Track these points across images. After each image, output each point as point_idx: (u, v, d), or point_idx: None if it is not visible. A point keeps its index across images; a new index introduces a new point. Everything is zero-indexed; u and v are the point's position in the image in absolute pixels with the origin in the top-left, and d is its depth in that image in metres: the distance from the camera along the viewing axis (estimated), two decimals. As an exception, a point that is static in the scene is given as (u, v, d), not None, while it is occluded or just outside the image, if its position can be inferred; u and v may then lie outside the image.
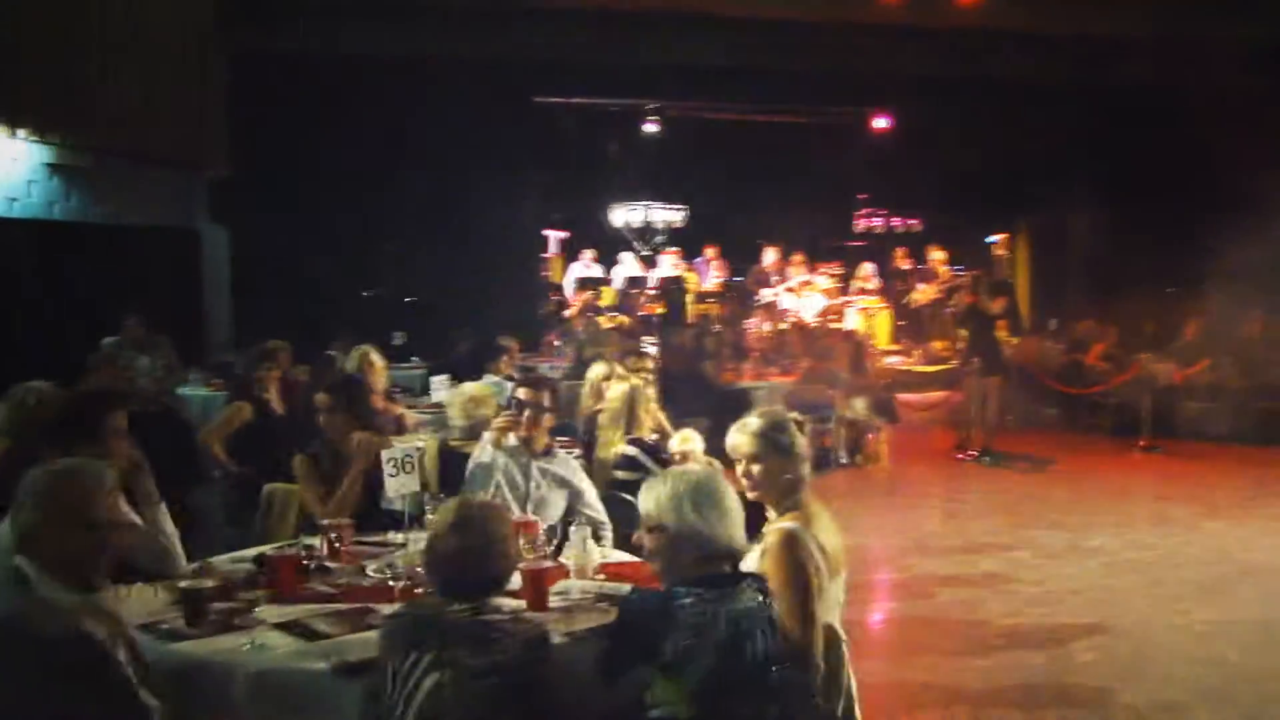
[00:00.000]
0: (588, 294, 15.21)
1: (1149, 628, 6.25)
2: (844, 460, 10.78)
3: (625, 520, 4.41)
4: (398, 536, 4.25)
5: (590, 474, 5.17)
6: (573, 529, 4.08)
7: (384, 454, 4.11)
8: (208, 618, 3.29)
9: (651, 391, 5.93)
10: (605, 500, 4.93)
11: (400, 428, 7.18)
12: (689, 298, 15.48)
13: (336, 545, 4.06)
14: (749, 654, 2.81)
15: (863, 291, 15.72)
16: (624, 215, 17.00)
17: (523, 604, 3.39)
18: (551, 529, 4.26)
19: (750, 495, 3.53)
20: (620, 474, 5.43)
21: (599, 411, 5.96)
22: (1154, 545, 8.02)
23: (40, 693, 2.56)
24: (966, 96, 14.67)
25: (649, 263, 16.41)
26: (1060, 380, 13.02)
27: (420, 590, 3.39)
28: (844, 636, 3.45)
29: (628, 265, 16.18)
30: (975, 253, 16.48)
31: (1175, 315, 13.08)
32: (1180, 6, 13.30)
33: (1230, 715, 5.15)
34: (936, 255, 15.94)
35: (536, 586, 3.49)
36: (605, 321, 14.20)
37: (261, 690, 2.99)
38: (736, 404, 8.82)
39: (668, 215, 16.93)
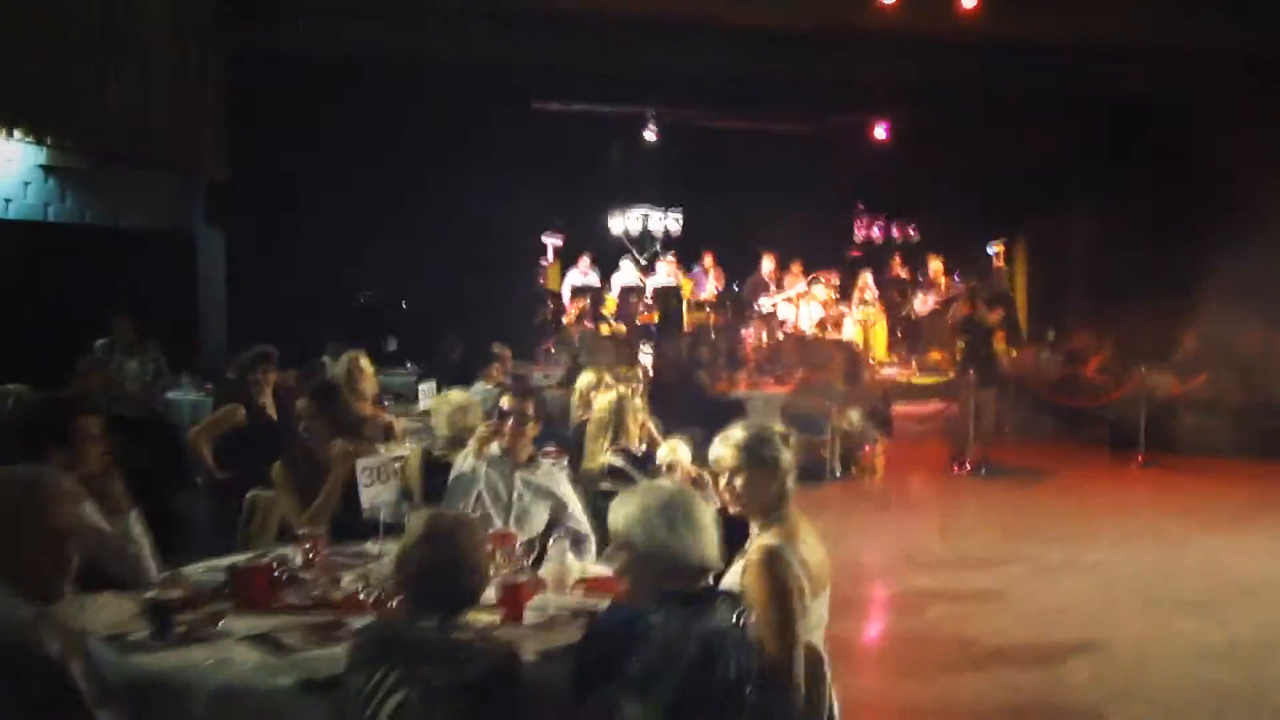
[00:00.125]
0: (584, 301, 15.14)
1: (1143, 646, 6.16)
2: (838, 472, 10.71)
3: (610, 533, 4.31)
4: (374, 547, 4.18)
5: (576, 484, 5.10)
6: (551, 542, 4.00)
7: (359, 464, 4.04)
8: (172, 630, 3.22)
9: (639, 401, 5.83)
10: (590, 512, 4.85)
11: (389, 435, 7.10)
12: (685, 306, 15.41)
13: (311, 555, 3.99)
14: (721, 674, 2.73)
15: (861, 301, 15.64)
16: (622, 222, 16.95)
17: (497, 619, 3.32)
18: (532, 541, 4.19)
19: (732, 509, 3.46)
20: (606, 485, 5.34)
21: (587, 421, 5.88)
22: (1150, 561, 7.94)
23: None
24: (966, 105, 14.62)
25: (647, 270, 16.35)
26: (1058, 392, 12.95)
27: (391, 604, 3.31)
28: (826, 656, 3.37)
29: (626, 273, 16.12)
30: (974, 262, 16.40)
31: (1174, 327, 13.00)
32: (1182, 15, 13.23)
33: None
34: (935, 265, 15.88)
35: (512, 601, 3.42)
36: (605, 329, 14.16)
37: (223, 706, 2.91)
38: (730, 414, 8.76)
39: (665, 222, 16.88)
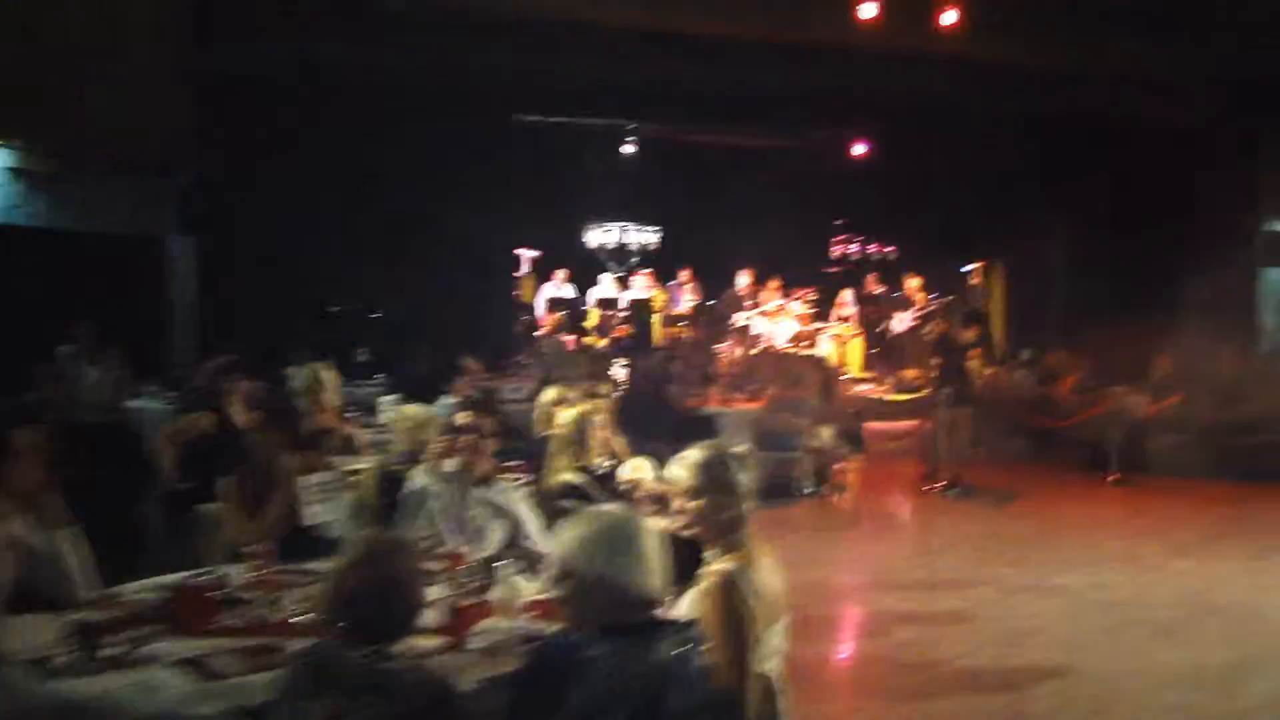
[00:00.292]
0: (561, 315, 15.04)
1: (1111, 671, 6.08)
2: (809, 490, 10.61)
3: (551, 561, 4.20)
4: (325, 566, 4.05)
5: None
6: (502, 563, 3.89)
7: (300, 480, 3.92)
8: (99, 653, 3.09)
9: (602, 417, 5.72)
10: (549, 531, 4.74)
11: (351, 448, 6.98)
12: (656, 320, 15.32)
13: (255, 574, 3.87)
14: (668, 709, 2.61)
15: (840, 318, 15.59)
16: (599, 236, 16.87)
17: (438, 644, 3.20)
18: (484, 562, 4.07)
19: (686, 533, 3.36)
20: (566, 504, 5.23)
21: (549, 437, 5.77)
22: (1120, 584, 7.86)
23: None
24: (945, 124, 14.63)
25: (625, 284, 16.27)
26: (1032, 412, 12.91)
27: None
28: (782, 688, 3.28)
29: (605, 287, 16.04)
30: (951, 281, 16.39)
31: (1149, 348, 12.99)
32: (1159, 41, 13.29)
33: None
34: (912, 283, 15.84)
35: (456, 625, 3.30)
36: (588, 342, 14.07)
37: (148, 735, 2.79)
38: (700, 430, 8.67)
39: (642, 237, 16.82)
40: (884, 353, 15.75)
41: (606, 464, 5.65)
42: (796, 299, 15.46)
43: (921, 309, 15.33)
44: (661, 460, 5.24)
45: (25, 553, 2.90)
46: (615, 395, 8.48)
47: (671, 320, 15.50)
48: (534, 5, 12.59)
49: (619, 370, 11.60)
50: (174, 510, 6.63)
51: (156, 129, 11.90)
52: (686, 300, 15.94)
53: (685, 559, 3.38)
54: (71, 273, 10.35)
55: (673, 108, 15.29)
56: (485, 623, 3.53)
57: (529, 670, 2.71)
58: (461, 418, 4.62)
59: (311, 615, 3.31)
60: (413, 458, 5.07)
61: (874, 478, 11.23)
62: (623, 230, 16.82)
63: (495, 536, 4.51)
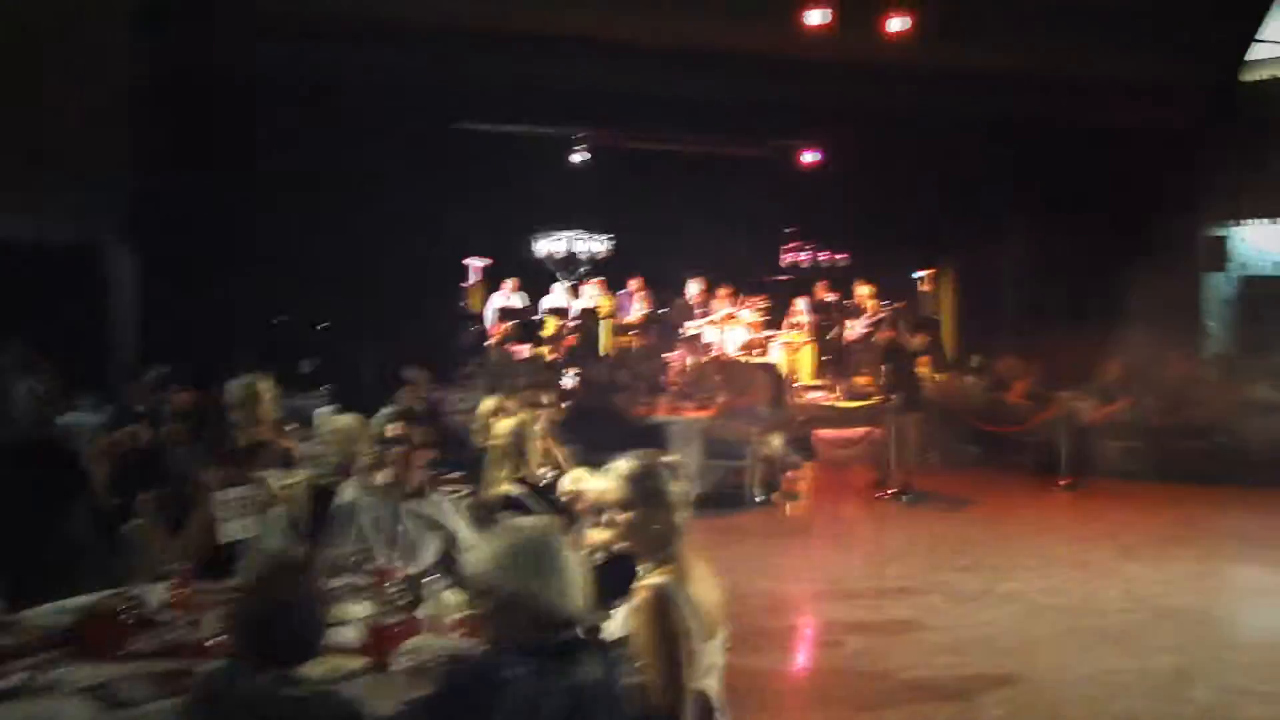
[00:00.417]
0: (509, 325, 14.86)
1: (1061, 677, 6.05)
2: (759, 498, 10.54)
3: (469, 578, 4.07)
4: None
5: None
6: (430, 579, 3.75)
7: (215, 496, 3.77)
8: (-4, 683, 2.93)
9: (542, 427, 5.59)
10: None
11: (288, 461, 6.79)
12: (604, 328, 15.19)
13: (173, 595, 3.70)
14: (591, 731, 2.50)
15: (792, 325, 15.54)
16: (547, 245, 16.73)
17: (361, 664, 3.06)
18: (414, 577, 3.92)
19: (617, 546, 3.24)
20: (504, 516, 5.09)
21: (487, 448, 5.63)
22: (1070, 589, 7.85)
23: None
24: (895, 131, 14.65)
25: (576, 293, 16.14)
26: (982, 418, 12.92)
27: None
28: (720, 705, 3.17)
29: (557, 296, 15.90)
30: (902, 288, 16.40)
31: (1098, 353, 13.05)
32: (1113, 46, 13.39)
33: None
34: (863, 290, 15.82)
35: (378, 645, 3.16)
36: (540, 352, 13.92)
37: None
38: (648, 439, 8.54)
39: (592, 246, 16.70)
40: (835, 360, 15.71)
41: (549, 475, 5.52)
42: (747, 307, 15.39)
43: (873, 316, 15.32)
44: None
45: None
46: (563, 405, 8.34)
47: (621, 329, 15.37)
48: (481, 13, 12.48)
49: (569, 380, 11.47)
50: (106, 528, 6.45)
51: (96, 136, 11.63)
52: (636, 309, 15.82)
53: (619, 574, 3.27)
54: (4, 283, 10.08)
55: (622, 116, 15.19)
56: (414, 640, 3.37)
57: (444, 693, 2.57)
58: (392, 429, 4.47)
59: (221, 637, 3.15)
60: (344, 470, 4.92)
61: (825, 485, 11.20)
62: (572, 239, 16.68)
63: (429, 551, 4.35)
